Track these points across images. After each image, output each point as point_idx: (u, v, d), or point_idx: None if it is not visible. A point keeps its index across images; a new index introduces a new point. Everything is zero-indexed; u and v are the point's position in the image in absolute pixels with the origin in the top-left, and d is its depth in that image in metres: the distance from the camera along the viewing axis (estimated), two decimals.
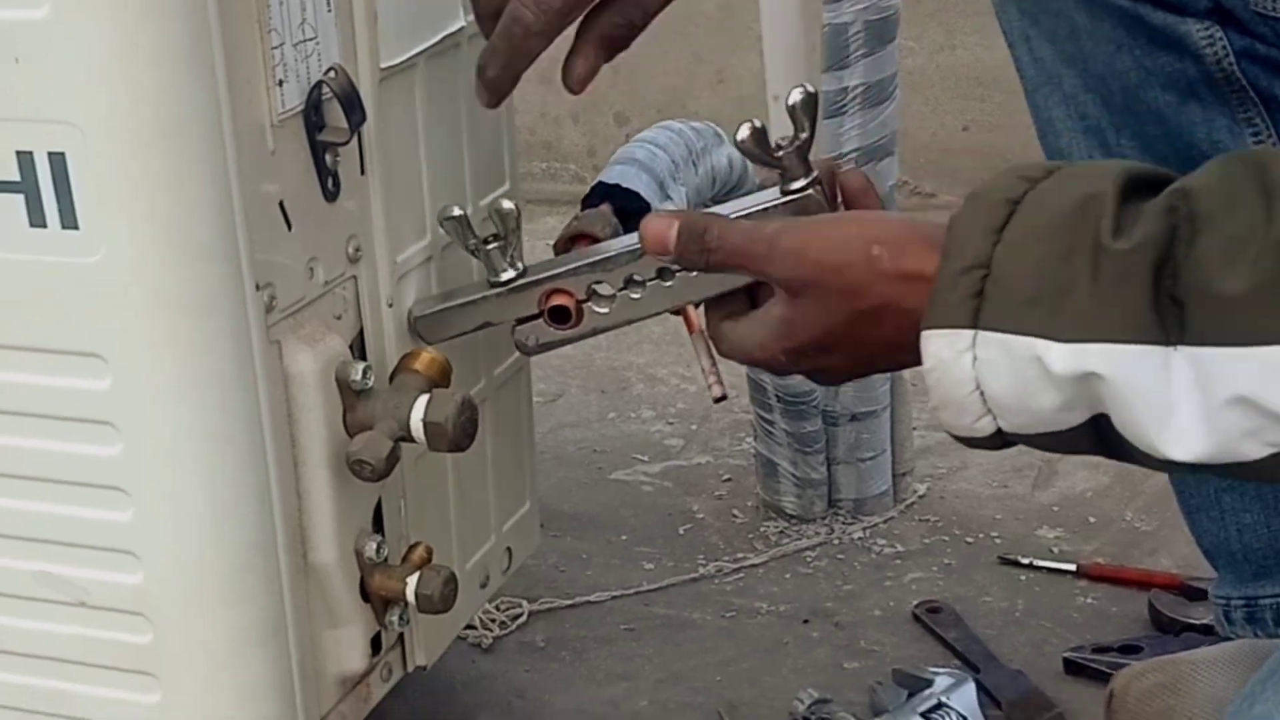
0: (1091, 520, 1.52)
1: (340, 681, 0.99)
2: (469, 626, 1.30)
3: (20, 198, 0.83)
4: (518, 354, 1.16)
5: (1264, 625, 1.11)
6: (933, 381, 0.82)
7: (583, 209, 1.03)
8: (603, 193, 1.04)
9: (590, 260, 0.95)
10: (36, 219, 0.83)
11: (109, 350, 0.85)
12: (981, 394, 0.80)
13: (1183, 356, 0.74)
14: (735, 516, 1.55)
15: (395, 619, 1.01)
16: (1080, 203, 0.77)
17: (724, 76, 2.36)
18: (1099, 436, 0.79)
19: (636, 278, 0.94)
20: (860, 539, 1.50)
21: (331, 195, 0.92)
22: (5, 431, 0.89)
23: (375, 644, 1.01)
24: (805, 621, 1.37)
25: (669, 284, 0.93)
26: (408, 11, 0.98)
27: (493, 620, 1.36)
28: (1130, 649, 1.28)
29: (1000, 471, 1.62)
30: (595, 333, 0.98)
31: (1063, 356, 0.76)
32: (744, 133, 0.92)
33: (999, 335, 0.78)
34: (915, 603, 1.38)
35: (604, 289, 0.95)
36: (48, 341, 0.86)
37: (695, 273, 0.92)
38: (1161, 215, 0.74)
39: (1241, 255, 0.72)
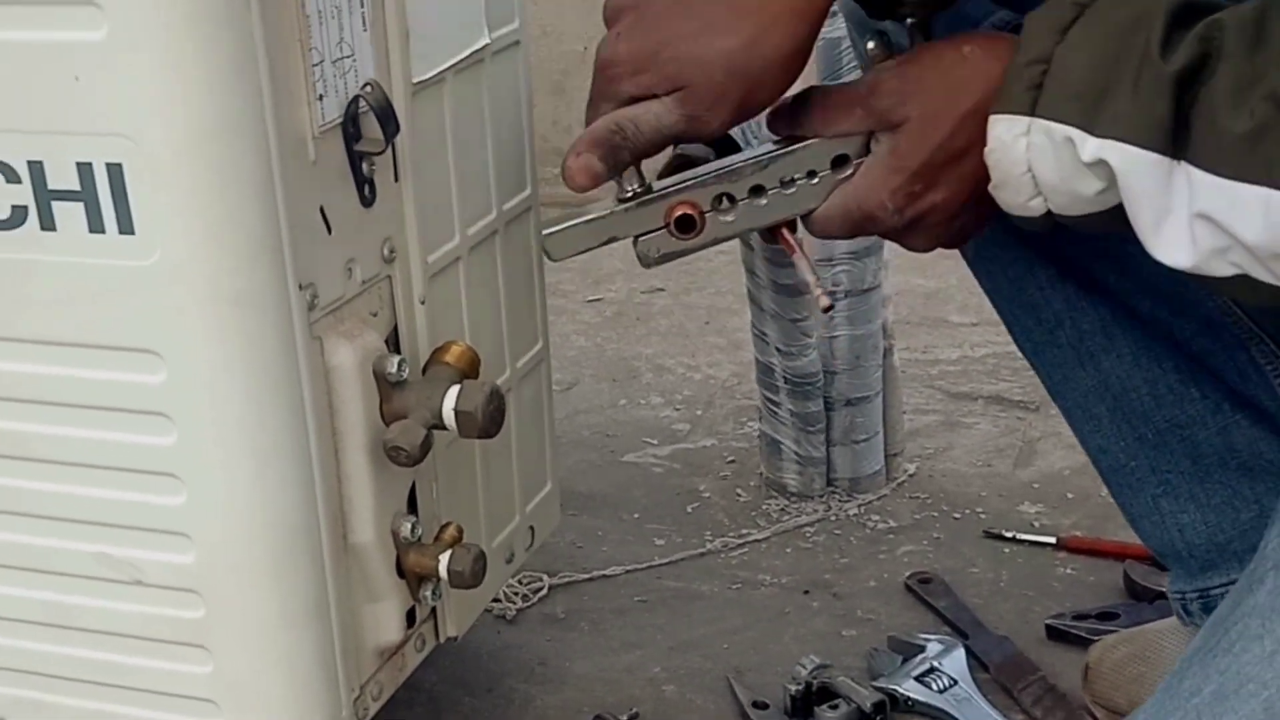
0: (1069, 496, 1.52)
1: (378, 652, 0.99)
2: (495, 599, 1.30)
3: (80, 205, 0.83)
4: (539, 345, 1.18)
5: None
6: (992, 162, 0.84)
7: (675, 152, 0.98)
8: (682, 159, 0.99)
9: (719, 171, 0.92)
10: (96, 225, 0.83)
11: (164, 346, 0.85)
12: (1033, 175, 0.82)
13: (1183, 171, 0.76)
14: (739, 495, 1.55)
15: (429, 594, 1.02)
16: (1136, 17, 0.78)
17: None
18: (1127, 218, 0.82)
19: (759, 185, 0.91)
20: (856, 515, 1.50)
21: (368, 201, 0.93)
22: (67, 422, 0.89)
23: (410, 617, 1.01)
24: (805, 593, 1.37)
25: (790, 191, 0.91)
26: (437, 30, 0.98)
27: (516, 594, 1.36)
28: (1107, 615, 1.28)
29: (984, 451, 1.62)
30: (715, 242, 0.94)
31: (1092, 149, 0.79)
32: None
33: (1046, 123, 0.80)
34: (907, 574, 1.38)
35: (726, 200, 0.92)
36: (107, 339, 0.86)
37: (816, 181, 0.90)
38: (1196, 42, 0.75)
39: (1247, 97, 0.74)
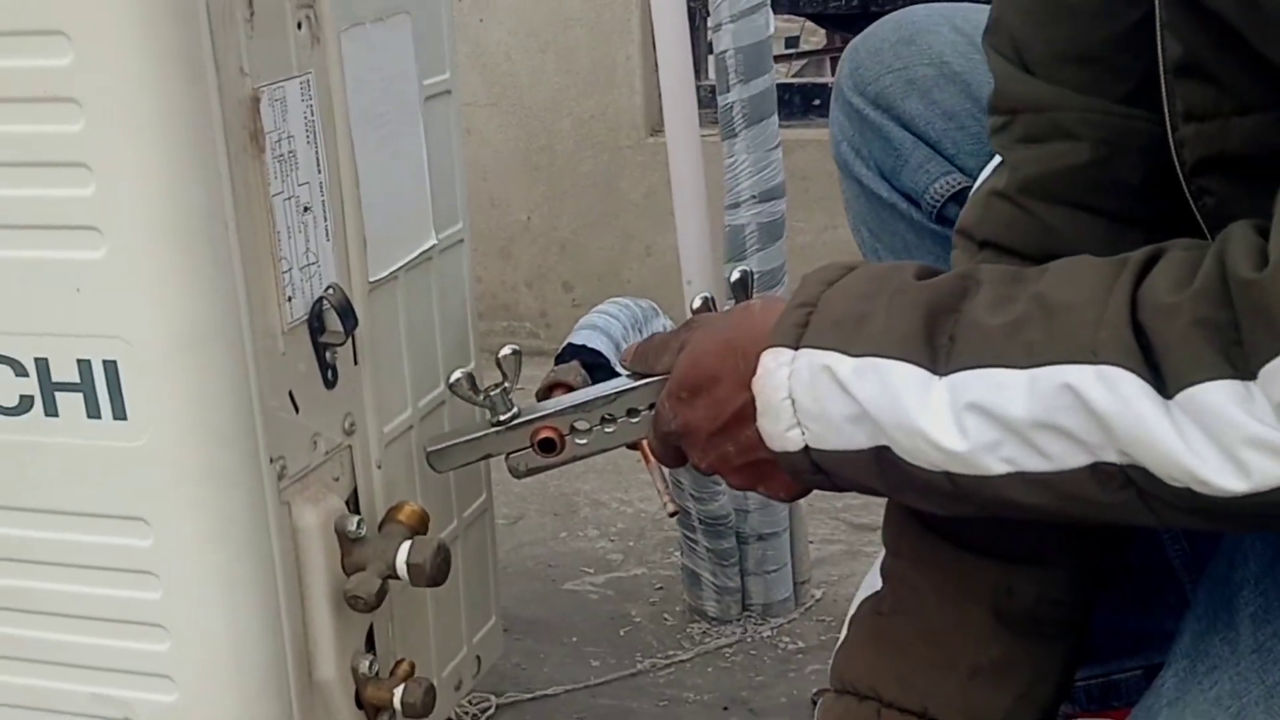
0: None
1: None
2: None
3: (80, 395, 0.84)
4: (483, 497, 1.18)
5: (1120, 696, 1.08)
6: (758, 389, 0.81)
7: (556, 364, 1.03)
8: (571, 352, 1.05)
9: (574, 404, 0.96)
10: (93, 412, 0.84)
11: (152, 515, 0.86)
12: (792, 402, 0.80)
13: (943, 382, 0.74)
14: (666, 619, 1.54)
15: None
16: (893, 268, 0.80)
17: (651, 251, 2.38)
18: (880, 468, 0.78)
19: (609, 415, 0.95)
20: (769, 637, 1.49)
21: (331, 383, 0.94)
22: (66, 580, 0.89)
23: None
24: (725, 709, 1.36)
25: (635, 420, 0.95)
26: (390, 235, 0.99)
27: (465, 713, 1.34)
28: None
29: None
30: (574, 459, 0.98)
31: (848, 369, 0.77)
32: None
33: (810, 352, 0.79)
34: (814, 690, 1.33)
35: (582, 425, 0.96)
36: (102, 509, 0.87)
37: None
38: (955, 279, 0.77)
39: (1008, 300, 0.73)
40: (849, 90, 1.13)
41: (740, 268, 0.98)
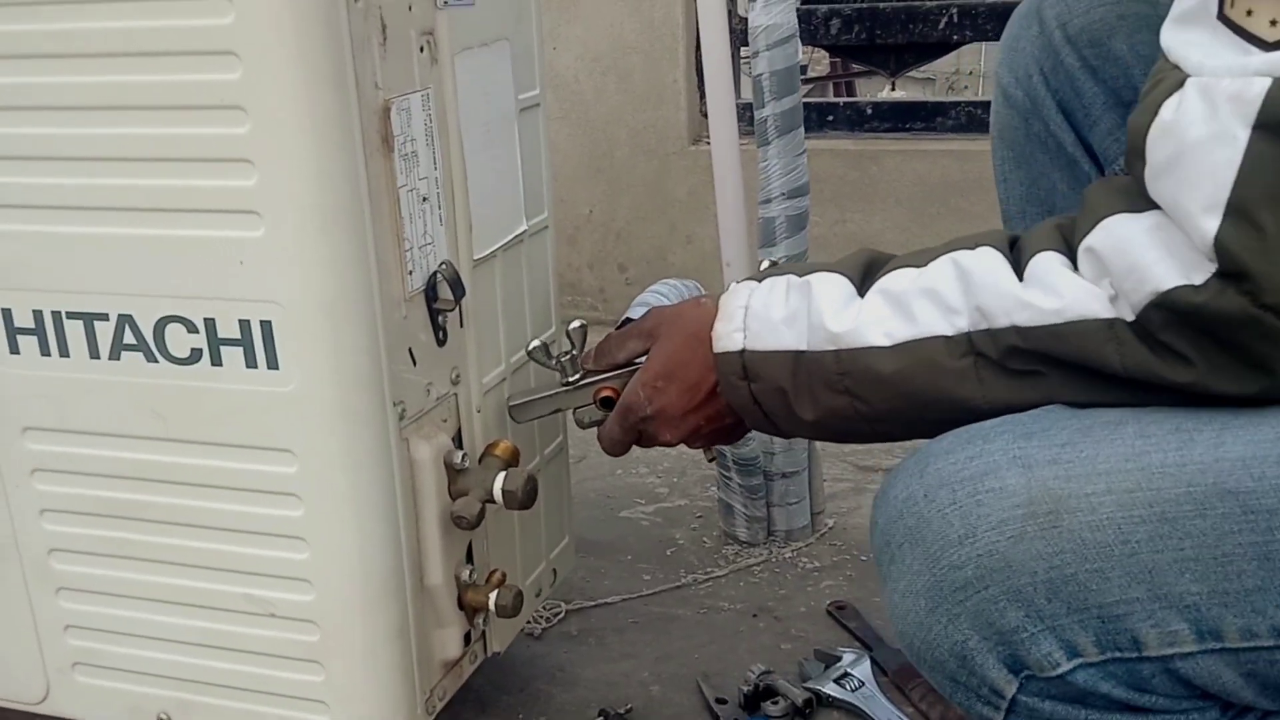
0: None
1: (443, 664, 1.00)
2: (526, 621, 1.29)
3: (240, 349, 0.85)
4: (560, 439, 1.18)
5: None
6: (722, 301, 0.84)
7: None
8: (628, 324, 1.04)
9: (630, 369, 0.95)
10: (250, 363, 0.85)
11: (297, 447, 0.87)
12: (745, 309, 0.83)
13: (863, 297, 0.79)
14: (704, 542, 1.53)
15: (480, 621, 1.02)
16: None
17: (691, 240, 2.36)
18: (794, 368, 0.80)
19: None
20: (790, 558, 1.48)
21: (441, 342, 0.94)
22: (227, 500, 0.90)
23: (467, 638, 1.01)
24: (754, 616, 1.35)
25: None
26: (490, 221, 0.99)
27: (541, 617, 1.35)
28: None
29: None
30: None
31: (799, 281, 0.82)
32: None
33: (771, 278, 0.83)
34: (828, 602, 1.36)
35: None
36: (256, 441, 0.88)
37: None
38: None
39: (923, 252, 0.79)
40: (1052, 20, 0.96)
41: (770, 257, 0.97)
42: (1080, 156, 0.98)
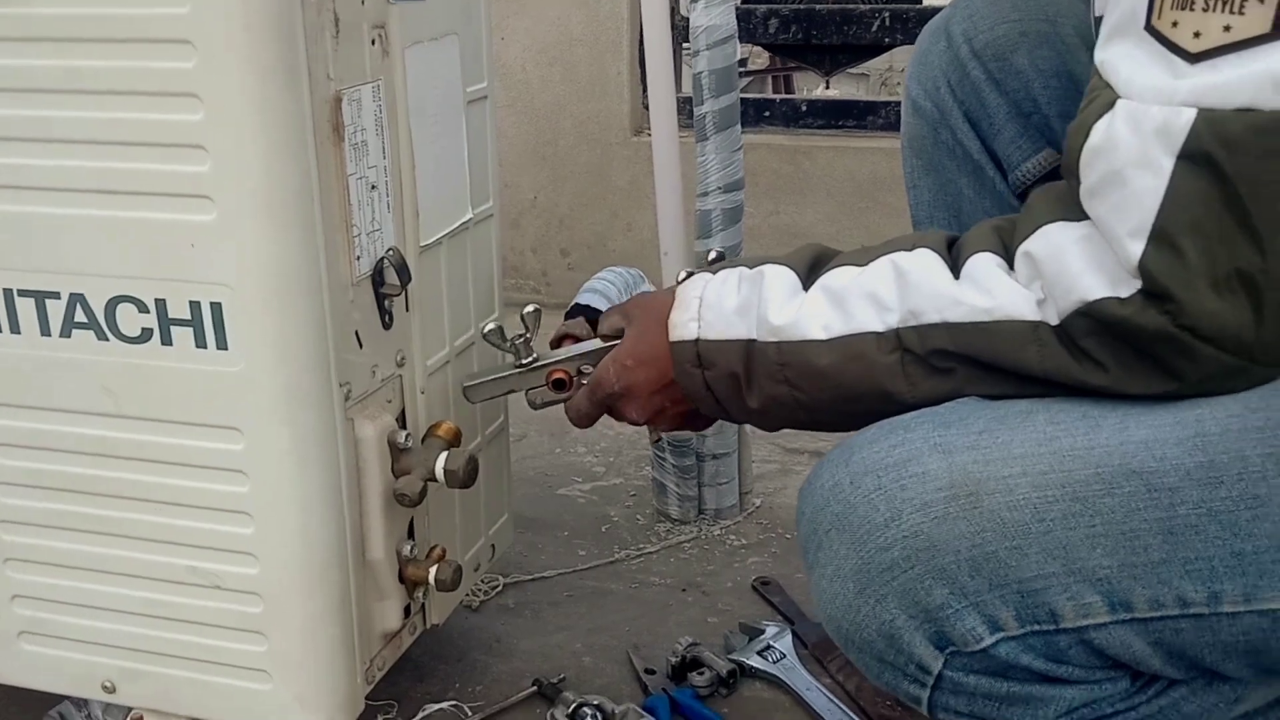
0: None
1: (383, 636, 1.00)
2: (465, 594, 1.29)
3: (190, 329, 0.85)
4: (500, 419, 1.18)
5: None
6: (678, 293, 0.85)
7: (565, 319, 1.03)
8: (577, 310, 1.04)
9: (579, 352, 0.96)
10: (200, 343, 0.85)
11: (244, 425, 0.86)
12: (700, 300, 0.84)
13: (807, 291, 0.80)
14: (638, 519, 1.53)
15: (420, 595, 1.02)
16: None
17: (631, 228, 2.36)
18: (745, 356, 0.81)
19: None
20: (718, 535, 1.48)
21: (387, 325, 0.94)
22: (176, 476, 0.89)
23: (406, 611, 1.01)
24: (683, 590, 1.36)
25: None
26: (437, 210, 0.99)
27: (479, 590, 1.34)
28: None
29: None
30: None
31: (750, 273, 0.83)
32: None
33: (724, 271, 0.85)
34: (753, 578, 1.37)
35: (587, 369, 0.96)
36: (205, 419, 0.87)
37: None
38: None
39: (866, 251, 0.80)
40: (959, 36, 0.98)
41: (716, 249, 0.98)
42: (985, 163, 1.00)
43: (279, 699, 0.92)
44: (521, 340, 0.98)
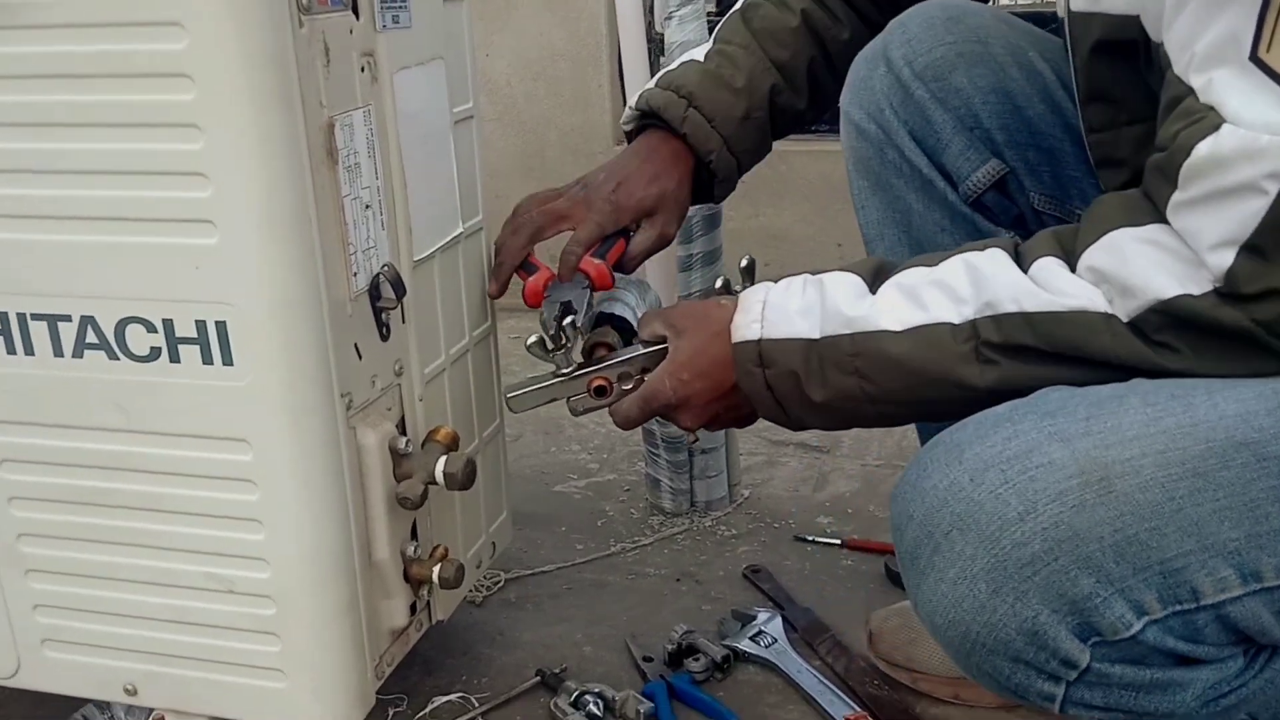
0: (850, 511, 1.51)
1: (391, 632, 1.00)
2: (468, 590, 1.28)
3: (197, 347, 0.85)
4: (496, 422, 1.17)
5: None
6: (742, 297, 0.86)
7: (591, 330, 1.02)
8: (603, 319, 1.03)
9: (619, 360, 0.96)
10: (207, 359, 0.85)
11: (252, 436, 0.86)
12: (763, 304, 0.84)
13: (875, 292, 0.82)
14: (632, 513, 1.53)
15: (425, 592, 1.02)
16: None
17: None
18: (807, 355, 0.81)
19: (645, 368, 0.96)
20: (709, 526, 1.49)
21: (385, 337, 0.94)
22: (187, 487, 0.89)
23: (412, 608, 1.01)
24: (677, 580, 1.37)
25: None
26: (428, 225, 0.99)
27: (482, 585, 1.35)
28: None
29: (793, 481, 1.61)
30: (617, 400, 0.97)
31: (815, 278, 0.84)
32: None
33: (786, 278, 0.86)
34: (744, 566, 1.37)
35: (623, 376, 0.96)
36: (213, 432, 0.87)
37: None
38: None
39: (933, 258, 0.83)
40: (899, 61, 1.00)
41: (748, 256, 0.98)
42: (935, 177, 1.02)
43: (293, 696, 0.93)
44: (562, 352, 0.98)
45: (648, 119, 1.02)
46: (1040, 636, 0.71)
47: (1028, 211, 1.01)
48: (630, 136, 1.04)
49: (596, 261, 1.03)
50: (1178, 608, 0.70)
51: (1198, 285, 0.70)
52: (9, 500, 0.95)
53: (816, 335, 0.82)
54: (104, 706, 1.07)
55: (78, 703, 1.07)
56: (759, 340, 0.84)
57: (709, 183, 1.04)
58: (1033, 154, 0.98)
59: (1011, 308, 0.75)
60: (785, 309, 0.83)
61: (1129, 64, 0.79)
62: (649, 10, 1.41)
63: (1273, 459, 0.69)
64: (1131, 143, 0.83)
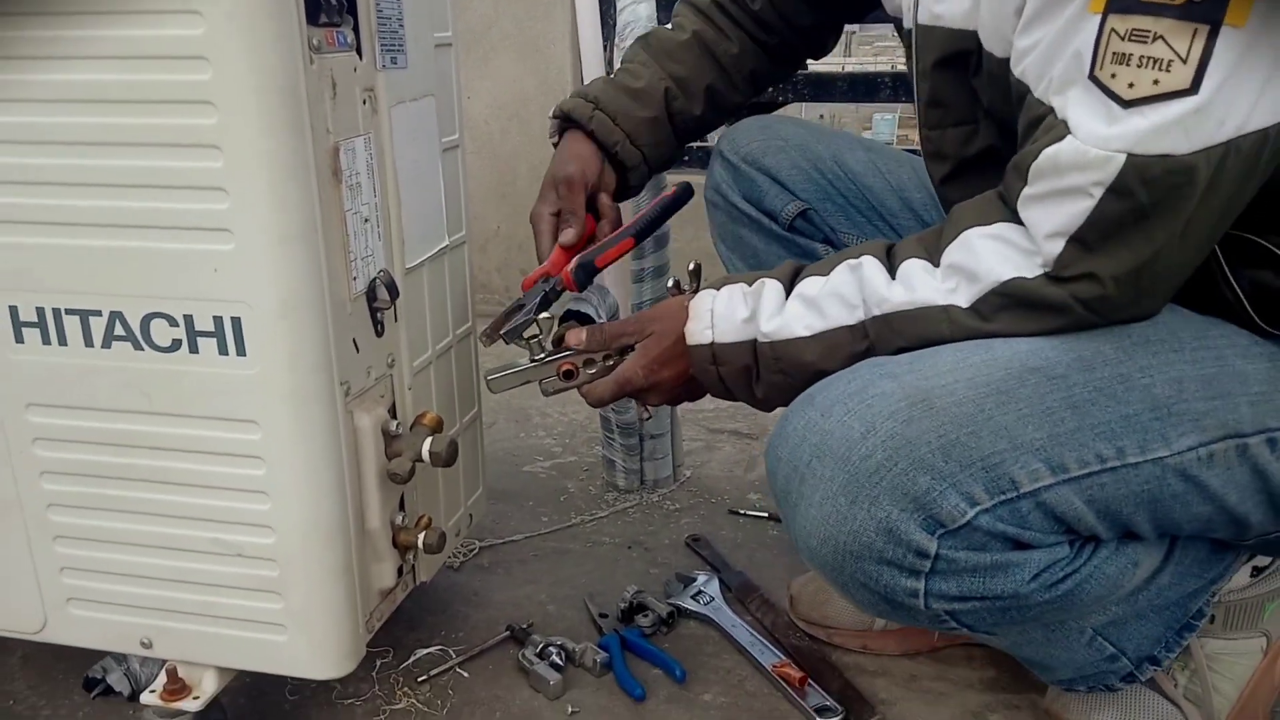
0: None
1: (380, 593, 0.99)
2: (448, 556, 1.28)
3: (214, 339, 0.84)
4: (475, 409, 1.17)
5: None
6: (692, 306, 0.88)
7: (560, 323, 1.01)
8: (570, 314, 1.03)
9: (581, 352, 0.97)
10: (223, 351, 0.84)
11: (261, 418, 0.85)
12: (711, 312, 0.87)
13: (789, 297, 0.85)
14: (590, 490, 1.53)
15: (410, 557, 1.01)
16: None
17: None
18: (752, 354, 0.85)
19: (605, 357, 0.96)
20: (657, 501, 1.49)
21: (380, 333, 0.93)
22: (200, 462, 0.87)
23: (399, 571, 1.00)
24: (629, 548, 1.37)
25: (610, 363, 0.97)
26: (419, 238, 0.99)
27: (459, 551, 1.34)
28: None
29: (728, 463, 1.61)
30: (582, 384, 0.97)
31: (753, 288, 0.87)
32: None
33: (728, 286, 0.88)
34: (686, 536, 1.37)
35: (588, 361, 0.96)
36: (226, 414, 0.86)
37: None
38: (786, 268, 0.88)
39: (828, 260, 0.86)
40: (728, 152, 1.16)
41: (695, 261, 0.99)
42: (761, 218, 1.15)
43: (293, 648, 0.92)
44: (535, 341, 0.98)
45: (565, 124, 1.07)
46: (895, 533, 0.74)
47: (829, 233, 1.14)
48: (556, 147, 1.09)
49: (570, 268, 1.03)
50: (1002, 497, 0.74)
51: (1030, 270, 0.75)
52: (41, 474, 0.93)
53: (754, 339, 0.86)
54: (120, 659, 1.05)
55: (97, 655, 1.05)
56: (711, 344, 0.87)
57: (626, 177, 1.09)
58: (828, 198, 1.13)
59: (883, 309, 0.80)
60: (733, 318, 0.86)
61: (960, 74, 0.84)
62: (609, 62, 1.41)
63: (1059, 378, 0.74)
64: (955, 140, 0.89)
